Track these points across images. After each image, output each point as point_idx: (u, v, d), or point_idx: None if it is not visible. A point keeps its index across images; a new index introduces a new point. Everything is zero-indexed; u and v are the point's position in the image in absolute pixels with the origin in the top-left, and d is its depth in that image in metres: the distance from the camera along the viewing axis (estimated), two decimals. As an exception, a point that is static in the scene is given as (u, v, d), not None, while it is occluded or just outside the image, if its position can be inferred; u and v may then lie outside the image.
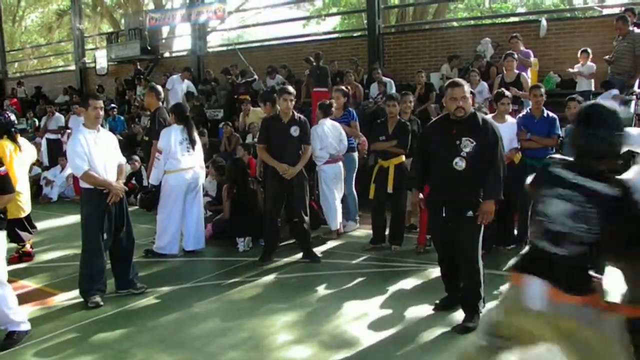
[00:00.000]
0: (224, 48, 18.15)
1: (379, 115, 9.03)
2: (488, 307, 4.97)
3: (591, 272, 2.74)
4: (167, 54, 20.07)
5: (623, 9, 10.46)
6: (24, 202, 6.79)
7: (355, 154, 8.21)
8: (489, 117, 5.86)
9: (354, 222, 8.24)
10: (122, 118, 15.19)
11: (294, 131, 6.61)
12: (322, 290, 5.72)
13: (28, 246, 7.22)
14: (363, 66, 13.73)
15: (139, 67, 17.98)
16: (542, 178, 2.89)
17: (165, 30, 21.33)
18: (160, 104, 7.58)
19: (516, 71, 8.94)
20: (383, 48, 14.16)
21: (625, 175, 2.70)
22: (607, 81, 9.20)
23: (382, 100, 10.03)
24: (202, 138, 8.47)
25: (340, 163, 7.71)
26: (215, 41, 20.35)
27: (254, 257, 6.85)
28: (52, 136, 14.30)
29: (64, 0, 29.66)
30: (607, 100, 8.51)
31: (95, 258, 5.36)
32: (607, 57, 9.54)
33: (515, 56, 9.08)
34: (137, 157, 11.26)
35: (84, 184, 5.41)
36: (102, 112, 5.46)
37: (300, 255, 6.85)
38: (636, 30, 9.13)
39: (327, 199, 7.63)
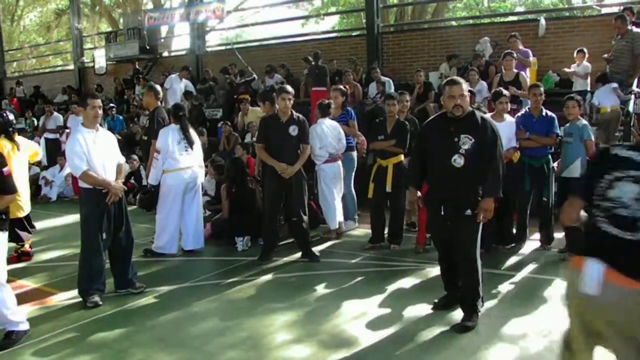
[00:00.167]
0: (223, 47, 18.14)
1: (378, 115, 9.03)
2: (487, 306, 5.00)
3: None
4: (165, 54, 20.08)
5: (622, 8, 10.46)
6: (23, 202, 6.78)
7: (354, 153, 8.21)
8: (487, 115, 5.87)
9: (352, 222, 8.24)
10: (121, 117, 15.18)
11: (293, 130, 6.61)
12: (321, 289, 5.72)
13: (27, 246, 7.22)
14: (362, 65, 13.73)
15: (137, 66, 17.97)
16: (608, 161, 2.72)
17: (164, 30, 21.36)
18: (159, 103, 7.58)
19: (515, 70, 8.94)
20: (382, 47, 14.17)
21: None
22: (603, 75, 9.19)
23: (381, 99, 10.03)
24: (201, 137, 8.47)
25: (340, 162, 7.71)
26: (214, 40, 20.36)
27: (253, 256, 6.85)
28: (51, 136, 14.28)
29: (63, -1, 29.68)
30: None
31: (94, 257, 5.36)
32: (606, 55, 9.55)
33: (514, 55, 9.08)
34: (135, 157, 11.25)
35: (82, 184, 5.41)
36: (100, 112, 5.45)
37: (299, 254, 6.85)
38: (635, 29, 9.13)
39: (326, 198, 7.63)
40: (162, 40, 20.99)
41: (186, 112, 7.29)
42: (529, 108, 6.93)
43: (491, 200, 4.49)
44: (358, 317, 4.93)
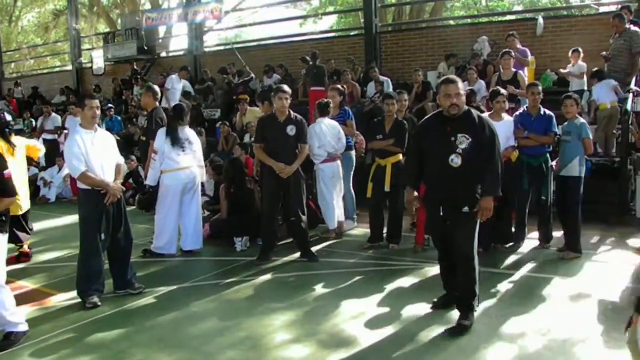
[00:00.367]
0: (221, 47, 18.15)
1: (376, 114, 9.03)
2: (486, 305, 5.00)
3: None
4: (163, 54, 20.08)
5: (619, 6, 10.48)
6: (21, 200, 6.76)
7: (353, 153, 8.21)
8: (485, 114, 5.87)
9: (351, 221, 8.24)
10: (119, 118, 15.19)
11: (290, 130, 6.61)
12: (320, 289, 5.72)
13: (26, 247, 7.21)
14: (360, 65, 13.73)
15: (135, 67, 17.96)
16: None
17: (161, 30, 21.33)
18: (157, 103, 7.57)
19: (513, 69, 8.93)
20: (380, 47, 14.17)
21: None
22: (598, 71, 9.18)
23: (379, 99, 10.03)
24: (199, 138, 8.46)
25: (339, 162, 7.70)
26: (212, 41, 20.39)
27: (252, 256, 6.85)
28: (49, 136, 14.27)
29: (61, 0, 29.60)
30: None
31: (93, 258, 5.35)
32: (604, 52, 9.56)
33: (512, 54, 9.07)
34: (133, 157, 11.24)
35: (81, 185, 5.40)
36: (98, 112, 5.44)
37: (298, 254, 6.85)
38: (632, 27, 9.14)
39: (325, 198, 7.63)
40: (160, 40, 20.96)
41: (181, 113, 7.20)
42: (527, 107, 6.92)
43: (490, 199, 4.47)
44: (357, 316, 4.92)
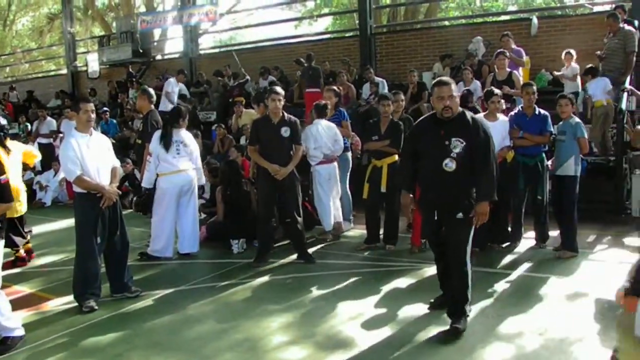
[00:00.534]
0: (216, 50, 18.15)
1: (372, 115, 9.04)
2: (483, 305, 5.01)
3: None
4: (159, 57, 20.05)
5: (613, 6, 10.51)
6: (17, 203, 6.74)
7: (349, 154, 8.21)
8: (479, 115, 5.87)
9: (348, 222, 8.24)
10: (114, 121, 15.16)
11: (285, 132, 6.60)
12: (317, 290, 5.71)
13: (22, 251, 7.20)
14: (355, 66, 13.74)
15: (131, 70, 17.94)
16: None
17: (157, 33, 21.33)
18: (153, 106, 7.55)
19: (508, 69, 8.95)
20: (375, 48, 14.19)
21: None
22: (592, 68, 9.19)
23: (375, 100, 10.03)
24: (196, 140, 8.45)
25: (335, 163, 7.69)
26: (207, 43, 20.38)
27: (249, 258, 6.84)
28: (44, 140, 14.22)
29: (55, 3, 29.57)
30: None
31: (90, 262, 5.34)
32: (598, 52, 9.59)
33: (507, 54, 9.09)
34: (129, 160, 11.22)
35: (77, 188, 5.39)
36: (93, 116, 5.43)
37: (295, 256, 6.85)
38: (627, 27, 9.18)
39: (322, 200, 7.62)
40: (155, 43, 20.98)
41: (178, 116, 7.19)
42: (522, 107, 6.94)
43: (486, 204, 4.42)
44: (354, 317, 4.92)
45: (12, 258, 7.09)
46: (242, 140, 10.87)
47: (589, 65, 9.31)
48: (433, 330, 4.54)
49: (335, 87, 8.71)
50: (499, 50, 9.19)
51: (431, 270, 5.65)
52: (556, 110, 6.64)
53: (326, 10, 24.54)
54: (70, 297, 5.49)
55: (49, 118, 14.88)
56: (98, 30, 28.33)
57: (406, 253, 6.88)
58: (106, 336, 4.75)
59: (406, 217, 7.68)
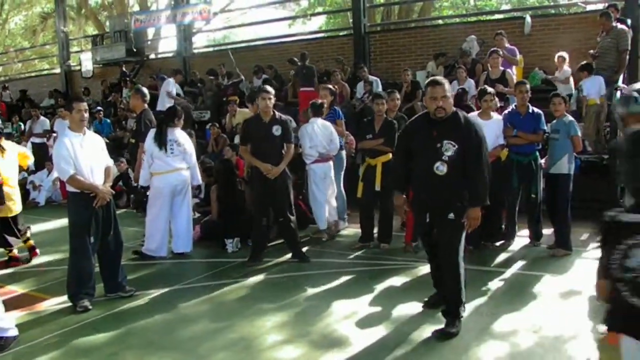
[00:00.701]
0: (210, 49, 18.10)
1: (366, 114, 9.04)
2: (477, 303, 5.02)
3: None
4: (152, 56, 19.98)
5: (606, 5, 10.54)
6: (11, 203, 6.72)
7: (343, 153, 8.21)
8: (473, 115, 5.87)
9: (342, 221, 8.24)
10: (108, 121, 15.11)
11: (276, 130, 6.60)
12: (311, 289, 5.72)
13: (15, 251, 7.17)
14: (349, 65, 13.73)
15: (124, 69, 17.88)
16: (616, 231, 2.42)
17: (150, 32, 21.25)
18: (146, 105, 7.53)
19: (501, 68, 8.96)
20: (369, 47, 14.17)
21: None
22: (587, 64, 9.21)
23: (369, 99, 10.03)
24: (190, 139, 8.43)
25: (330, 162, 7.69)
26: (200, 42, 20.33)
27: (243, 258, 6.84)
28: (37, 140, 14.18)
29: (48, 2, 29.43)
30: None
31: (83, 262, 5.33)
32: (592, 51, 9.62)
33: (501, 53, 9.10)
34: (123, 159, 11.18)
35: (70, 188, 5.37)
36: (86, 115, 5.42)
37: (289, 255, 6.85)
38: (620, 26, 9.21)
39: (317, 198, 7.62)
40: (149, 42, 20.88)
41: (174, 115, 7.18)
42: (515, 105, 6.96)
43: (478, 209, 4.40)
44: (349, 316, 4.93)
45: (6, 258, 7.07)
46: (237, 139, 10.83)
47: (585, 62, 9.31)
48: (427, 329, 4.54)
49: (330, 86, 8.71)
50: (492, 49, 9.20)
51: (425, 268, 5.66)
52: (549, 108, 6.66)
53: (320, 9, 24.54)
54: (64, 297, 5.48)
55: (42, 117, 14.82)
56: (91, 29, 28.23)
57: (400, 252, 6.90)
58: (100, 336, 4.74)
59: (400, 216, 7.70)
